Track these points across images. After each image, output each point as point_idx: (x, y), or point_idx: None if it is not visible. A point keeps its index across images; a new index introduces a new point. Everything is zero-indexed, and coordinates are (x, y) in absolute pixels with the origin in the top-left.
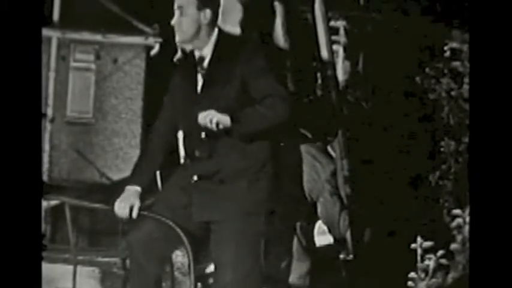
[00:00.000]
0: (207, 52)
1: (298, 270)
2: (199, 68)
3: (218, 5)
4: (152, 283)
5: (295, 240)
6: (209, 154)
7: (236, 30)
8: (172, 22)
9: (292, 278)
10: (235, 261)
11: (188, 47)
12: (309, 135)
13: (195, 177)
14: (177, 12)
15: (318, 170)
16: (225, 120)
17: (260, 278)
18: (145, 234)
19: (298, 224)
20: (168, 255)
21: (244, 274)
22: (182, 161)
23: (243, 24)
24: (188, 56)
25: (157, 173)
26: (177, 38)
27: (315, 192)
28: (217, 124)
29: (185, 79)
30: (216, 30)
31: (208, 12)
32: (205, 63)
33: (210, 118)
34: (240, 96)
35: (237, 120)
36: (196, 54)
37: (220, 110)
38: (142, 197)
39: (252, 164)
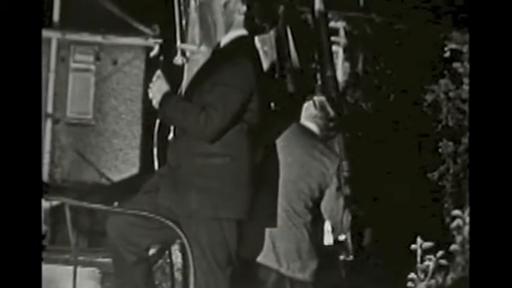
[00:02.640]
0: (224, 40)
1: (309, 267)
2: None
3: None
4: (130, 265)
5: (308, 238)
6: (182, 141)
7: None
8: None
9: (304, 276)
10: (207, 256)
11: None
12: (316, 131)
13: (168, 164)
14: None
15: (326, 164)
16: (156, 98)
17: (235, 277)
18: (122, 221)
19: (308, 222)
20: (146, 245)
21: (216, 272)
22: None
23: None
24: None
25: (155, 151)
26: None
27: (323, 186)
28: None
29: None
30: (244, 32)
31: (244, 8)
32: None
33: (152, 88)
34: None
35: (164, 103)
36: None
37: (190, 91)
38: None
39: (214, 165)
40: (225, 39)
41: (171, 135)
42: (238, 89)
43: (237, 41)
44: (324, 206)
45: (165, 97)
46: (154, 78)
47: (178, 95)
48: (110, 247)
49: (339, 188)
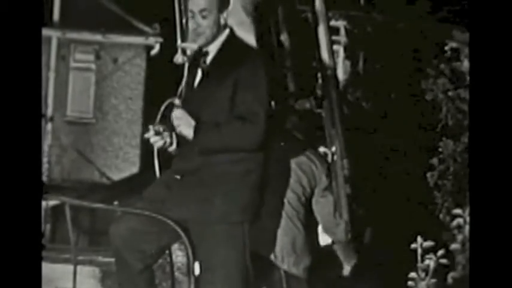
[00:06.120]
0: (212, 49)
1: (303, 263)
2: (201, 62)
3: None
4: (136, 273)
5: (303, 232)
6: (193, 152)
7: (244, 34)
8: (191, 26)
9: (298, 271)
10: (219, 264)
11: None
12: (300, 137)
13: (177, 175)
14: (197, 16)
15: (315, 161)
16: (188, 133)
17: (249, 280)
18: (126, 227)
19: (303, 217)
20: (152, 250)
21: (230, 277)
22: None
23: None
24: (195, 51)
25: (156, 160)
26: (199, 42)
27: (313, 183)
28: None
29: (189, 72)
30: (227, 30)
31: (225, 13)
32: (208, 59)
33: (177, 124)
34: (230, 101)
35: (198, 136)
36: (203, 49)
37: (210, 110)
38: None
39: (236, 171)
40: (215, 46)
41: (173, 147)
42: (263, 86)
43: (232, 41)
44: (315, 210)
45: (197, 130)
46: (178, 114)
47: (208, 123)
48: (115, 254)
49: (329, 193)
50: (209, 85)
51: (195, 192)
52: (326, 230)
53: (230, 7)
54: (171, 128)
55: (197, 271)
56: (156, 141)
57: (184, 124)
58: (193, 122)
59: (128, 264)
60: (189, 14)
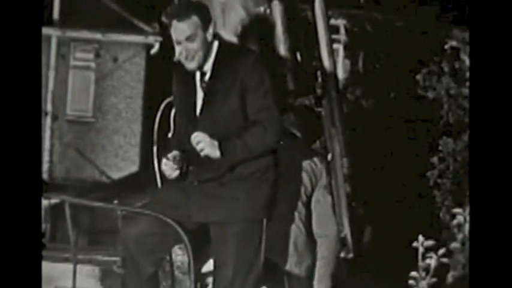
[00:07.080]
0: (208, 67)
1: (305, 263)
2: (200, 82)
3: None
4: (146, 279)
5: (304, 232)
6: (216, 164)
7: (233, 37)
8: (180, 54)
9: (300, 271)
10: (236, 262)
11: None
12: (298, 134)
13: (196, 182)
14: (185, 43)
15: (314, 160)
16: (214, 153)
17: (260, 279)
18: (139, 230)
19: (304, 216)
20: (164, 253)
21: (244, 275)
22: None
23: (242, 30)
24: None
25: (157, 171)
26: (190, 66)
27: (314, 181)
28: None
29: (186, 90)
30: (216, 42)
31: (211, 29)
32: (207, 77)
33: (201, 148)
34: (241, 105)
35: (226, 153)
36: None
37: (224, 122)
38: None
39: (255, 170)
40: (210, 63)
41: (179, 172)
42: (269, 84)
43: (225, 50)
44: (313, 208)
45: (223, 148)
46: (199, 138)
47: (229, 138)
48: (127, 258)
49: (328, 191)
50: (215, 99)
51: (217, 194)
52: (318, 232)
53: (214, 20)
54: (180, 145)
55: (210, 268)
56: (172, 173)
57: (208, 146)
58: (216, 142)
59: (139, 268)
60: (175, 43)
